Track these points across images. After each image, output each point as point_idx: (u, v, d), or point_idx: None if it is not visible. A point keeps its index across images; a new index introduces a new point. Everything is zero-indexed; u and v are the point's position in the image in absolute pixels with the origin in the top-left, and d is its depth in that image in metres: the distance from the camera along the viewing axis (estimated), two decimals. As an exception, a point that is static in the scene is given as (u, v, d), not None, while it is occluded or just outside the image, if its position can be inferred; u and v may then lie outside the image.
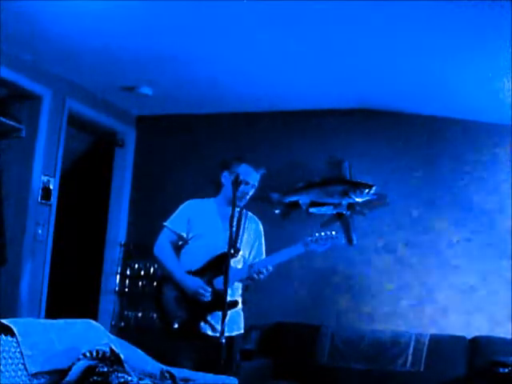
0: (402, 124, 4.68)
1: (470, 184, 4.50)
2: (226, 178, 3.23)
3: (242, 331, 3.26)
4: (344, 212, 4.67)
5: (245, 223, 3.20)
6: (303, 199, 4.71)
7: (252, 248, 3.26)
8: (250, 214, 3.29)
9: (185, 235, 3.20)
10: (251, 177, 3.16)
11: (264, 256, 3.27)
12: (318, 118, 4.86)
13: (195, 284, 3.06)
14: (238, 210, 3.09)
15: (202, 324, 3.08)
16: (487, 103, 4.07)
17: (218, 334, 2.94)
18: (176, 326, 3.06)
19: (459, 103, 4.24)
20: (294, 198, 4.74)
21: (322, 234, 3.12)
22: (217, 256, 3.09)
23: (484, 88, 3.80)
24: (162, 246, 3.22)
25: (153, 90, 4.68)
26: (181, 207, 3.27)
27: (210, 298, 3.04)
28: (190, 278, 3.09)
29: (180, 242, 3.23)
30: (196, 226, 3.19)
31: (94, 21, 3.45)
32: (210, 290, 3.05)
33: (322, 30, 3.36)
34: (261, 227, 3.34)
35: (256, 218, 3.33)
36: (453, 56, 3.47)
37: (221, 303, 2.87)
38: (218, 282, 3.03)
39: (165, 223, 3.24)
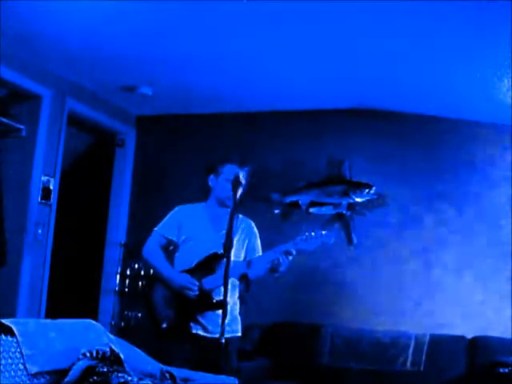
0: (402, 124, 4.67)
1: (471, 184, 4.50)
2: (213, 181, 3.25)
3: (239, 334, 3.24)
4: (344, 212, 4.67)
5: (236, 224, 3.17)
6: (303, 199, 4.71)
7: (243, 246, 3.25)
8: (240, 215, 3.22)
9: (175, 239, 3.22)
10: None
11: (260, 252, 3.27)
12: (317, 118, 4.86)
13: (183, 279, 3.07)
14: (228, 210, 3.09)
15: (193, 324, 3.08)
16: (487, 103, 4.07)
17: (209, 335, 3.02)
18: (164, 325, 3.07)
19: (459, 103, 4.24)
20: (293, 198, 4.74)
21: (312, 233, 3.11)
22: (206, 257, 3.11)
23: (484, 88, 3.80)
24: (151, 248, 3.25)
25: (153, 89, 4.68)
26: (171, 213, 3.29)
27: (197, 293, 3.04)
28: (178, 274, 3.12)
29: (171, 247, 3.25)
30: (186, 230, 3.21)
31: (94, 21, 3.46)
32: (197, 283, 3.06)
33: (321, 29, 3.36)
34: (253, 226, 3.33)
35: (247, 219, 3.32)
36: (453, 56, 3.47)
37: (208, 303, 2.99)
38: (206, 281, 3.06)
39: (155, 228, 3.27)
